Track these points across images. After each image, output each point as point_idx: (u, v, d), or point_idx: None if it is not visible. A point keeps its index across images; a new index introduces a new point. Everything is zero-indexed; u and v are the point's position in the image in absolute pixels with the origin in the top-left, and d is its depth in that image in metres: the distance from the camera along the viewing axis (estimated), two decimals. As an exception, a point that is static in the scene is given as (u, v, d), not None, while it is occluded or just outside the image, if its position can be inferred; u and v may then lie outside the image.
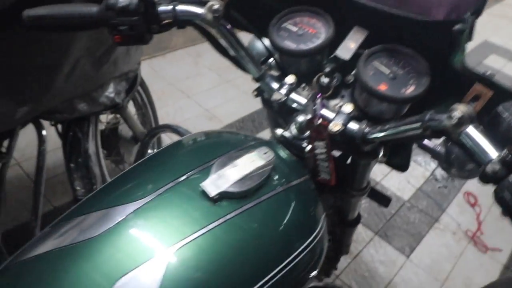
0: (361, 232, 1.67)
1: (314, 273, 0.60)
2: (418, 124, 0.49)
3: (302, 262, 0.56)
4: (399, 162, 0.71)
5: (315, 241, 0.58)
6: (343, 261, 1.53)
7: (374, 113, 0.61)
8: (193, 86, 2.37)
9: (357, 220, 0.95)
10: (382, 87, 0.57)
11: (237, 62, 0.68)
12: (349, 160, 0.75)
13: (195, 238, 0.49)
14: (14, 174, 1.62)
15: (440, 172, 2.06)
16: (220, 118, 2.16)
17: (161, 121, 1.68)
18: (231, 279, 0.49)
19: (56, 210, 1.51)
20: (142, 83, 1.49)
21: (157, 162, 0.61)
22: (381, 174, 1.98)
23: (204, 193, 0.53)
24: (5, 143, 1.05)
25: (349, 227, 0.96)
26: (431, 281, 1.53)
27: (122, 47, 0.97)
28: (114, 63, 0.98)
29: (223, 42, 0.64)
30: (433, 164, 2.10)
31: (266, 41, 0.71)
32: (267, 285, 0.51)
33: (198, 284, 0.47)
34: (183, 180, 0.55)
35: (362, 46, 0.63)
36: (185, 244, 0.48)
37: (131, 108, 1.46)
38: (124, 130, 1.44)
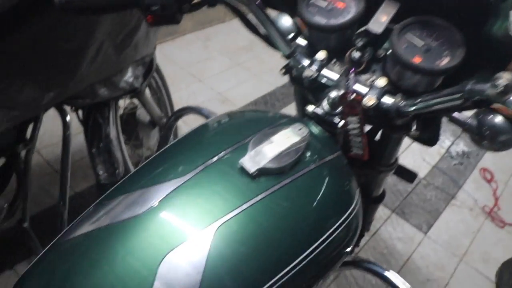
0: (378, 210, 1.67)
1: (348, 249, 0.61)
2: (458, 95, 0.49)
3: (339, 236, 0.56)
4: (428, 136, 0.71)
5: (351, 217, 0.58)
6: (362, 239, 1.55)
7: (407, 86, 0.60)
8: (204, 69, 2.36)
9: (382, 196, 0.96)
10: (416, 60, 0.57)
11: (266, 40, 0.67)
12: (377, 136, 0.75)
13: (238, 214, 0.50)
14: (34, 161, 1.64)
15: (455, 149, 2.05)
16: (233, 101, 2.16)
17: (175, 106, 1.69)
18: (273, 253, 0.50)
19: (78, 195, 1.54)
20: (156, 67, 1.49)
21: (192, 142, 0.61)
22: (396, 152, 1.97)
23: (242, 170, 0.53)
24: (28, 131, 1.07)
25: (373, 203, 0.97)
26: (449, 257, 1.54)
27: (142, 31, 0.96)
28: (135, 47, 0.98)
29: (253, 19, 0.63)
30: (447, 141, 2.09)
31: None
32: (305, 261, 0.52)
33: (242, 259, 0.48)
34: (220, 158, 0.55)
35: (392, 19, 0.62)
36: (228, 220, 0.49)
37: (147, 93, 1.47)
38: (142, 114, 1.45)
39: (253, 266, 0.49)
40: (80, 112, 1.21)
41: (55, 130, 1.73)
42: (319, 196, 0.56)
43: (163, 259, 0.46)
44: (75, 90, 0.89)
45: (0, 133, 0.97)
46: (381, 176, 0.83)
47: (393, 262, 1.50)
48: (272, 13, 0.64)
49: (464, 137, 2.13)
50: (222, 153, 0.56)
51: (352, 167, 0.68)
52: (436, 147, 2.16)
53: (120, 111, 1.40)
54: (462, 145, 2.07)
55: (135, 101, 1.44)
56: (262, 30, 0.64)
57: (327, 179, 0.58)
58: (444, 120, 0.72)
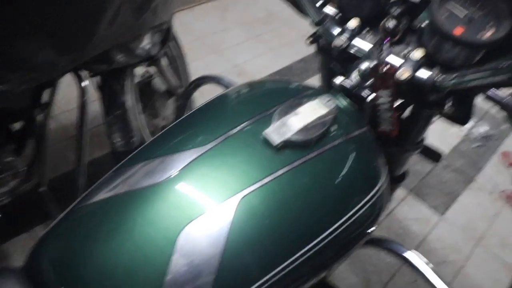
0: (394, 190, 1.65)
1: (372, 228, 0.59)
2: (502, 70, 0.45)
3: (363, 215, 0.54)
4: (460, 114, 0.67)
5: (377, 195, 0.56)
6: (377, 218, 1.53)
7: (445, 60, 0.56)
8: (221, 41, 2.31)
9: (403, 176, 0.93)
10: (458, 31, 0.52)
11: (296, 5, 0.63)
12: (406, 112, 0.72)
13: (261, 187, 0.48)
14: (51, 127, 1.64)
15: (477, 131, 1.99)
16: (249, 74, 2.12)
17: (191, 77, 1.65)
18: (296, 229, 0.49)
19: (93, 162, 1.54)
20: (173, 36, 1.46)
21: (213, 111, 0.59)
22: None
23: (266, 141, 0.51)
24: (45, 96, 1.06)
25: (394, 183, 0.94)
26: (466, 240, 1.52)
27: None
28: (153, 12, 0.95)
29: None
30: (469, 123, 2.02)
31: None
32: (328, 238, 0.50)
33: (264, 234, 0.47)
34: (243, 127, 0.53)
35: None
36: (251, 193, 0.47)
37: (163, 61, 1.44)
38: (158, 84, 1.43)
39: (275, 241, 0.47)
40: (96, 79, 1.19)
41: (72, 97, 1.71)
42: (345, 172, 0.54)
43: (182, 230, 0.44)
44: (92, 54, 0.86)
45: (17, 96, 0.97)
46: (406, 155, 0.79)
47: (408, 242, 1.48)
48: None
49: (487, 119, 2.07)
50: (244, 123, 0.53)
51: (379, 145, 0.65)
52: (456, 128, 2.10)
53: (137, 80, 1.38)
54: (484, 127, 2.01)
55: (152, 70, 1.41)
56: (291, -7, 0.60)
57: (354, 154, 0.56)
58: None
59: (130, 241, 0.45)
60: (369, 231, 0.57)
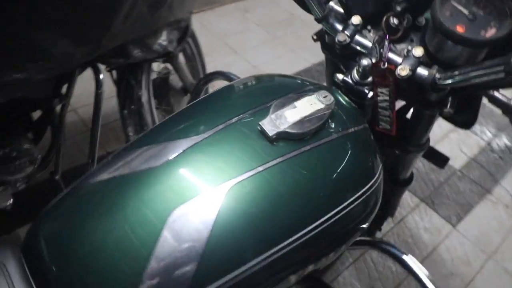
0: (406, 198, 1.62)
1: (364, 225, 0.59)
2: (501, 67, 0.45)
3: (354, 211, 0.54)
4: (465, 118, 0.67)
5: (369, 192, 0.56)
6: (386, 225, 1.51)
7: (446, 59, 0.56)
8: (241, 41, 2.34)
9: (410, 179, 0.92)
10: (459, 29, 0.52)
11: (300, 1, 0.64)
12: (409, 114, 0.71)
13: (252, 176, 0.49)
14: (70, 119, 1.70)
15: (496, 142, 1.94)
16: (267, 75, 2.13)
17: (209, 75, 1.68)
18: (284, 219, 0.49)
19: (109, 155, 1.58)
20: (192, 35, 1.49)
21: (215, 102, 0.60)
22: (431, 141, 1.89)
23: (262, 132, 0.52)
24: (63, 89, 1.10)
25: (400, 186, 0.93)
26: (477, 253, 1.48)
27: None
28: (169, 8, 0.98)
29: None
30: (489, 133, 1.97)
31: None
32: (317, 230, 0.51)
33: (251, 221, 0.48)
34: (240, 118, 0.54)
35: None
36: (242, 180, 0.48)
37: (181, 59, 1.47)
38: (174, 80, 1.46)
39: (262, 229, 0.48)
40: (114, 73, 1.23)
41: (92, 91, 1.78)
42: (338, 166, 0.54)
43: (173, 210, 0.46)
44: (108, 47, 0.89)
45: (37, 85, 1.01)
46: (410, 157, 0.79)
47: (417, 252, 1.46)
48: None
49: (508, 130, 2.01)
50: (243, 114, 0.55)
51: (380, 145, 0.66)
52: (476, 138, 2.05)
53: (154, 75, 1.42)
54: (505, 139, 1.96)
55: (169, 66, 1.45)
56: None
57: (348, 150, 0.56)
58: (487, 110, 0.67)
59: (124, 220, 0.47)
60: (361, 227, 0.57)
